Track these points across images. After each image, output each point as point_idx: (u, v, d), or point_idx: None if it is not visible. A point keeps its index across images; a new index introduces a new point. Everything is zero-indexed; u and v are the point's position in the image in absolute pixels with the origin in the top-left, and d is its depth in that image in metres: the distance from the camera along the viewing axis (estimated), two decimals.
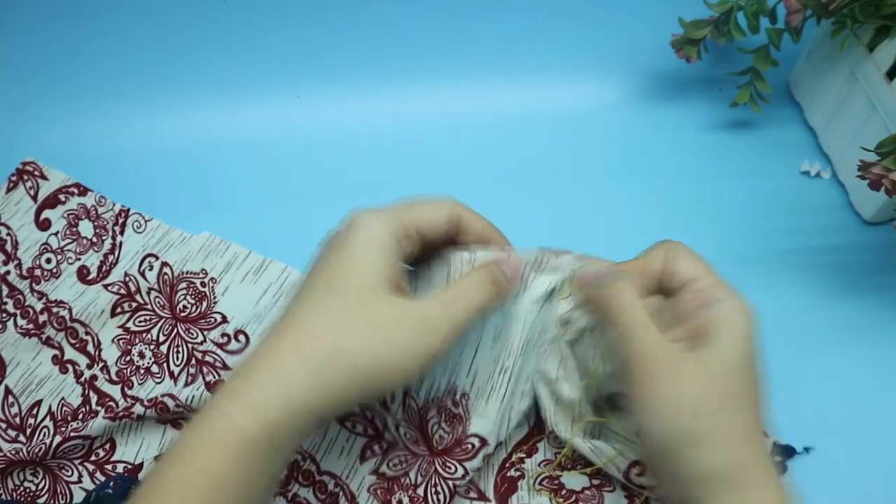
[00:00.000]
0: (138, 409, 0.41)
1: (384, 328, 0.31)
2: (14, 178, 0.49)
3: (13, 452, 0.39)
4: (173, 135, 0.54)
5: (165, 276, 0.45)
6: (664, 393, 0.32)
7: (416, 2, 0.59)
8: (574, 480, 0.40)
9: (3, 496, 0.39)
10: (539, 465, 0.41)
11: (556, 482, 0.40)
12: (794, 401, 0.43)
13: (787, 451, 0.41)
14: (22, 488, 0.40)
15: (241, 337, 0.44)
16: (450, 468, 0.38)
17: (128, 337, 0.44)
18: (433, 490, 0.38)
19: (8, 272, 0.46)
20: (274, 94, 0.56)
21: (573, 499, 0.40)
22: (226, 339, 0.44)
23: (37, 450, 0.39)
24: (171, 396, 0.41)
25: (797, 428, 0.42)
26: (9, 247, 0.47)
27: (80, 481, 0.40)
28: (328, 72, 0.57)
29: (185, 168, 0.52)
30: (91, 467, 0.41)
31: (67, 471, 0.41)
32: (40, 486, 0.40)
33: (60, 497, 0.40)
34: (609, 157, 0.54)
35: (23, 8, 0.59)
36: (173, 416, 0.41)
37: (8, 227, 0.48)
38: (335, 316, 0.31)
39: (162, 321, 0.45)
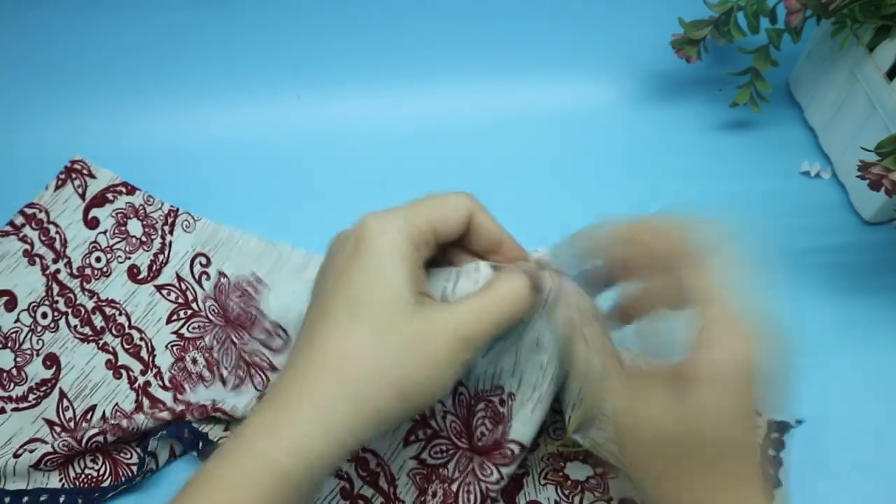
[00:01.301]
0: (188, 417, 0.41)
1: (420, 345, 0.29)
2: (62, 177, 0.50)
3: (67, 448, 0.39)
4: (174, 134, 0.54)
5: (223, 286, 0.46)
6: (632, 424, 0.31)
7: (416, 2, 0.59)
8: (578, 471, 0.40)
9: (67, 485, 0.40)
10: (541, 459, 0.41)
11: (561, 474, 0.40)
12: (794, 400, 0.43)
13: (782, 427, 0.41)
14: (83, 475, 0.40)
15: (281, 331, 0.44)
16: (486, 471, 0.38)
17: (181, 343, 0.44)
18: (465, 489, 0.38)
19: (58, 270, 0.46)
20: (274, 93, 0.56)
21: (579, 489, 0.40)
22: (266, 334, 0.44)
23: (92, 446, 0.40)
24: (220, 409, 0.40)
25: (797, 426, 0.42)
26: (58, 245, 0.47)
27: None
28: (329, 71, 0.57)
29: (184, 167, 0.52)
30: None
31: (126, 453, 0.41)
32: (101, 472, 0.40)
33: (123, 478, 0.40)
34: (609, 156, 0.54)
35: (43, 7, 0.59)
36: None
37: (57, 226, 0.48)
38: (370, 337, 0.29)
39: (216, 328, 0.45)
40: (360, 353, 0.29)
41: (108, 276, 0.46)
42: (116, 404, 0.43)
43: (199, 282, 0.46)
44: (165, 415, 0.40)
